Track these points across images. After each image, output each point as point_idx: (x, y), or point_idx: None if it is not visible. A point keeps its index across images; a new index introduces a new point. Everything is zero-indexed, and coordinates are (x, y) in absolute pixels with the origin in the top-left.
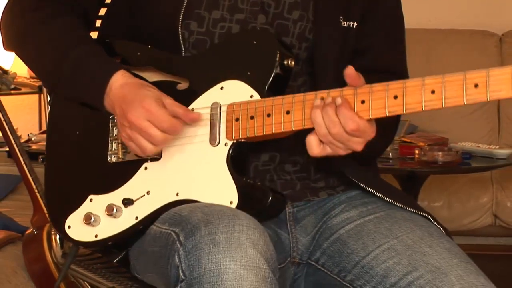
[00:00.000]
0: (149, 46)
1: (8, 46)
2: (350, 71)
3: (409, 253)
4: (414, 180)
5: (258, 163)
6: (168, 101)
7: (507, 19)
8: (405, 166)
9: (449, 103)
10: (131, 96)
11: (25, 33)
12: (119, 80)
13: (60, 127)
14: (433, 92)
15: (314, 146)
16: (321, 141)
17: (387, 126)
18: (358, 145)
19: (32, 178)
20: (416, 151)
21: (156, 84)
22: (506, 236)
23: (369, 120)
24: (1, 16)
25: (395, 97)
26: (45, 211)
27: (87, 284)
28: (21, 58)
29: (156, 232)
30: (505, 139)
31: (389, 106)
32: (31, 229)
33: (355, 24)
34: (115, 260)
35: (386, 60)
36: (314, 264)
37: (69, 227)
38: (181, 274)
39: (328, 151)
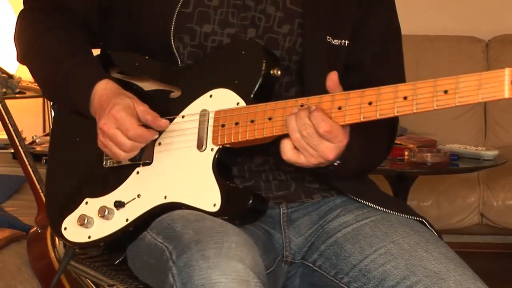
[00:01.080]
0: (146, 57)
1: (19, 59)
2: (334, 76)
3: (406, 257)
4: (403, 181)
5: (252, 164)
6: (141, 107)
7: (494, 25)
8: (395, 167)
9: (420, 108)
10: (105, 104)
11: (30, 46)
12: (101, 88)
13: (62, 132)
14: (405, 98)
15: (287, 150)
16: (294, 147)
17: (371, 144)
18: (329, 151)
19: (36, 179)
20: (406, 153)
21: (151, 93)
22: (493, 234)
23: (343, 126)
24: (14, 31)
25: (370, 103)
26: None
27: (89, 282)
28: (29, 70)
29: (151, 243)
30: (491, 141)
31: (364, 112)
32: (35, 228)
33: (346, 42)
34: (116, 262)
35: (380, 76)
36: (311, 265)
37: (65, 228)
38: None
39: (301, 159)
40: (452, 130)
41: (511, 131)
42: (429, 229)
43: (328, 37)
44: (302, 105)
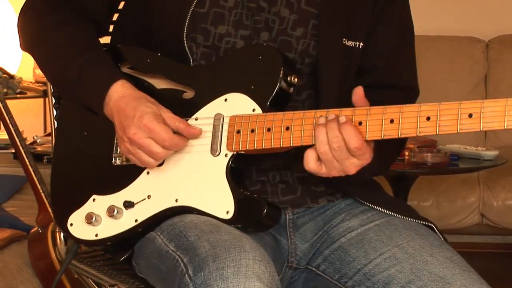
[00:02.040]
0: (159, 54)
1: (23, 47)
2: (359, 91)
3: (411, 262)
4: (404, 181)
5: (260, 166)
6: (168, 114)
7: (494, 26)
8: (396, 167)
9: (443, 130)
10: (130, 111)
11: (37, 37)
12: (118, 91)
13: (69, 126)
14: (428, 118)
15: (311, 161)
16: (318, 158)
17: (386, 155)
18: (353, 167)
19: (37, 179)
20: (406, 153)
21: (163, 92)
22: (493, 234)
23: (368, 143)
24: (18, 18)
25: (392, 121)
26: (50, 211)
27: (91, 281)
28: (34, 59)
29: (162, 248)
30: (491, 141)
31: (385, 130)
32: (36, 228)
33: (360, 44)
34: (121, 259)
35: (393, 77)
36: (315, 270)
37: (71, 224)
38: None
39: (323, 170)
40: None
41: (511, 131)
42: (434, 232)
43: (343, 38)
44: (327, 117)
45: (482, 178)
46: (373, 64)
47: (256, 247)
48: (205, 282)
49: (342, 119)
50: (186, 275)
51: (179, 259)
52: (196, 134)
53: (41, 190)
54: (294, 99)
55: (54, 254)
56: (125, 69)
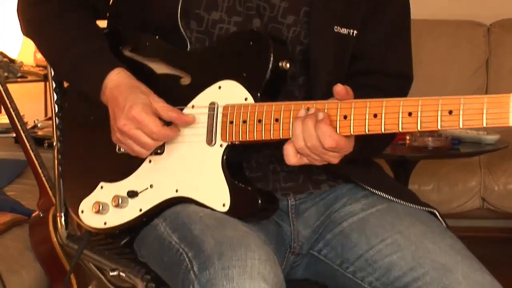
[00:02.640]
0: (157, 37)
1: (23, 33)
2: (339, 89)
3: (413, 249)
4: (405, 165)
5: (259, 156)
6: (160, 105)
7: (495, 9)
8: (397, 152)
9: (425, 127)
10: (121, 101)
11: (37, 24)
12: (114, 80)
13: (76, 111)
14: (410, 114)
15: (291, 156)
16: (298, 152)
17: (374, 142)
18: (334, 158)
19: (38, 163)
20: (407, 137)
21: (162, 77)
22: (494, 218)
23: (348, 136)
24: (17, 3)
25: (375, 115)
26: (51, 195)
27: (92, 265)
28: (35, 45)
29: (165, 239)
30: None
31: (370, 125)
32: (37, 212)
33: (354, 32)
34: (122, 243)
35: (387, 65)
36: (316, 254)
37: (82, 211)
38: None
39: (304, 161)
40: None
41: None
42: (436, 218)
43: (336, 26)
44: (308, 109)
45: (483, 162)
46: (367, 52)
47: (261, 245)
48: (210, 281)
49: (320, 116)
50: (191, 272)
51: (184, 253)
52: (190, 122)
53: (42, 174)
54: (290, 85)
55: (55, 239)
56: (127, 52)
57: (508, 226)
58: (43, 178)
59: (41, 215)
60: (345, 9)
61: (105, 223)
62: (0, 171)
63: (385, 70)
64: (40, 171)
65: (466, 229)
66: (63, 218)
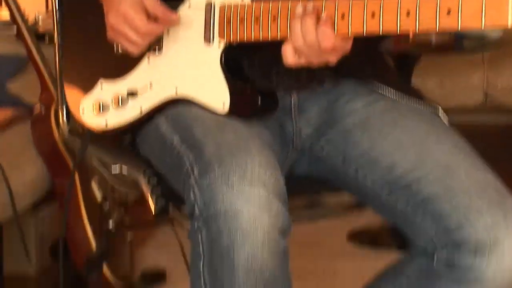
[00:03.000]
0: None
1: None
2: None
3: (416, 147)
4: (408, 60)
5: (262, 56)
6: (149, 2)
7: None
8: (400, 47)
9: (422, 28)
10: None
11: None
12: None
13: (76, 10)
14: (408, 14)
15: (290, 56)
16: (296, 51)
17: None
18: (332, 57)
19: (39, 58)
20: (411, 32)
21: None
22: (496, 113)
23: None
24: None
25: (373, 14)
26: (52, 90)
27: (95, 161)
28: None
29: (166, 137)
30: None
31: (368, 25)
32: (39, 107)
33: None
34: (125, 143)
35: None
36: (319, 152)
37: (83, 111)
38: (196, 211)
39: (302, 61)
40: None
41: None
42: (439, 118)
43: None
44: (305, 8)
45: (486, 58)
46: None
47: (262, 150)
48: (210, 185)
49: (323, 17)
50: (192, 176)
51: (185, 156)
52: (174, 21)
53: (43, 70)
54: None
55: (57, 134)
56: None
57: (510, 121)
58: (44, 73)
59: (43, 110)
60: None
61: (106, 124)
62: (1, 67)
63: None
64: (41, 66)
65: (468, 125)
66: (65, 114)
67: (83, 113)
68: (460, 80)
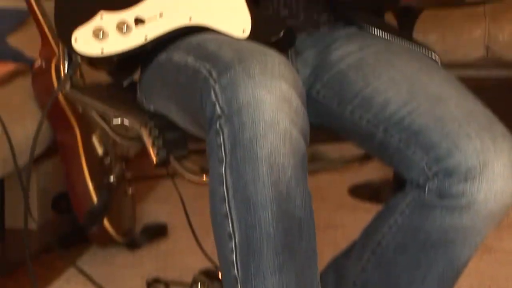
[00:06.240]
0: None
1: None
2: None
3: (408, 84)
4: (409, 14)
5: None
6: None
7: None
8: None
9: None
10: None
11: None
12: None
13: None
14: None
15: None
16: None
17: None
18: None
19: (39, 12)
20: None
21: None
22: (498, 68)
23: None
24: None
25: None
26: (53, 44)
27: (95, 113)
28: None
29: (179, 63)
30: None
31: None
32: (39, 61)
33: None
34: (124, 82)
35: None
36: (315, 96)
37: (75, 40)
38: (218, 110)
39: None
40: None
41: None
42: (432, 59)
43: None
44: None
45: (488, 11)
46: None
47: (279, 54)
48: (232, 81)
49: None
50: (211, 79)
51: (202, 68)
52: None
53: (43, 23)
54: None
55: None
56: None
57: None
58: (45, 27)
59: (44, 65)
60: None
61: (102, 51)
62: (1, 20)
63: None
64: (41, 19)
65: (470, 79)
66: (66, 67)
67: (75, 42)
68: (462, 34)
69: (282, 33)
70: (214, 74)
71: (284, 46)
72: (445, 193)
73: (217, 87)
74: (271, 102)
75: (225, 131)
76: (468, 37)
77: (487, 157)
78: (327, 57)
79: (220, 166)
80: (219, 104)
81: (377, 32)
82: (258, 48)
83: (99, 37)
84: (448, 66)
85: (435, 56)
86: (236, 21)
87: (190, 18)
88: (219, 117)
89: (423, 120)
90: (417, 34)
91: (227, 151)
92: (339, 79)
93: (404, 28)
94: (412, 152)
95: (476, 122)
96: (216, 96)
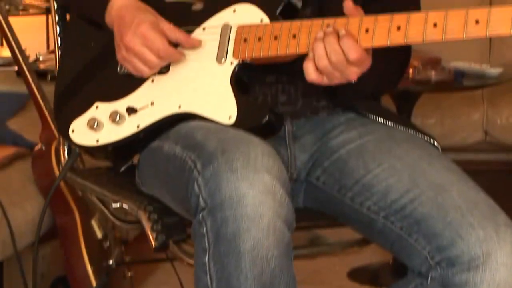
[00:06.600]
0: None
1: None
2: (348, 4)
3: (410, 171)
4: (408, 98)
5: (264, 80)
6: (168, 26)
7: None
8: (400, 85)
9: (449, 37)
10: (128, 19)
11: None
12: (121, 0)
13: (76, 37)
14: (435, 25)
15: (312, 72)
16: (317, 69)
17: (387, 63)
18: (354, 74)
19: (40, 96)
20: (410, 70)
21: (172, 5)
22: (496, 152)
23: (367, 51)
24: None
25: (398, 28)
26: (53, 128)
27: (95, 198)
28: None
29: (169, 152)
30: (496, 58)
31: (392, 37)
32: (39, 145)
33: None
34: (122, 169)
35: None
36: (314, 182)
37: (72, 131)
38: (201, 202)
39: (324, 80)
40: (457, 47)
41: None
42: (434, 146)
43: None
44: (328, 25)
45: (486, 95)
46: None
47: (263, 142)
48: (214, 174)
49: (342, 32)
50: (195, 170)
51: (188, 159)
52: (196, 45)
53: (44, 107)
54: (300, 14)
55: (58, 172)
56: None
57: (511, 159)
58: (45, 111)
59: (44, 148)
60: None
61: (97, 141)
62: (2, 104)
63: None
64: (42, 104)
65: (468, 163)
66: (66, 152)
67: (72, 132)
68: (460, 118)
69: (266, 119)
70: (198, 165)
71: (271, 130)
72: (448, 282)
73: (200, 179)
74: (254, 196)
75: (208, 223)
76: (466, 121)
77: (490, 247)
78: (327, 143)
79: (204, 256)
80: (202, 196)
81: (377, 118)
82: (243, 137)
83: (94, 128)
84: (447, 150)
85: (435, 143)
86: (223, 108)
87: (180, 106)
88: (203, 209)
89: (425, 208)
90: (415, 118)
91: (210, 242)
92: (340, 165)
93: (403, 111)
94: (414, 240)
95: (479, 211)
96: (199, 188)
